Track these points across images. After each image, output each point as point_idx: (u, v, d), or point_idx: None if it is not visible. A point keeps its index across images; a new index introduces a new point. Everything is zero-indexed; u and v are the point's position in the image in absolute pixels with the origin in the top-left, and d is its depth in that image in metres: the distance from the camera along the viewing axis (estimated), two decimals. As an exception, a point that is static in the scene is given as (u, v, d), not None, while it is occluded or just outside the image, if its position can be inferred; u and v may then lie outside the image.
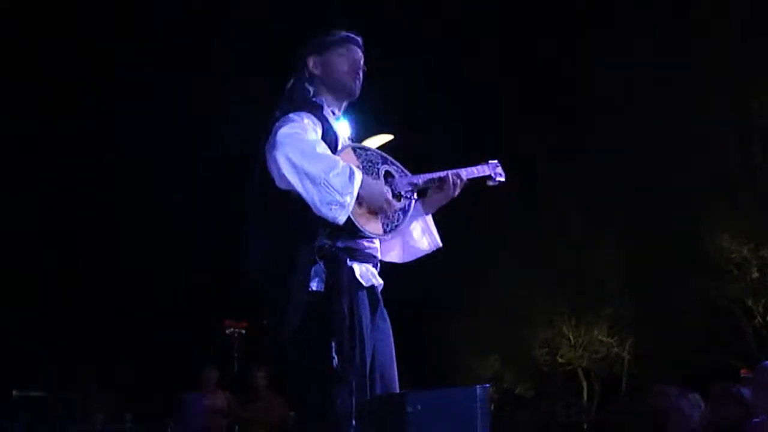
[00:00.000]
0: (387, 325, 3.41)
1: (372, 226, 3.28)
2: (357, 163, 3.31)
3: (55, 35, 18.07)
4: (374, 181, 3.28)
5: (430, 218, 3.64)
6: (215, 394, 9.53)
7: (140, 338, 18.34)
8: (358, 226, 3.20)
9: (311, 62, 3.51)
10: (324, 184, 3.08)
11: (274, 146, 3.13)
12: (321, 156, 3.13)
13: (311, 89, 3.51)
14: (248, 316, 9.41)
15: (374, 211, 3.28)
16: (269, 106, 3.45)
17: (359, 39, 3.56)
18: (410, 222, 3.56)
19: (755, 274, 16.02)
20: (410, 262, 3.72)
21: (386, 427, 3.05)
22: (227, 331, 9.52)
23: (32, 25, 17.47)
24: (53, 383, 12.23)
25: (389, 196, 3.28)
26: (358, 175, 3.15)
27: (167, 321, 18.63)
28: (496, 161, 3.69)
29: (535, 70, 19.69)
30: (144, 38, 18.93)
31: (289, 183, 3.11)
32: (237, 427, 9.37)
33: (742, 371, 13.13)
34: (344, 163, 3.16)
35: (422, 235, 3.62)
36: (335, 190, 3.08)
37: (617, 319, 19.13)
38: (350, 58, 3.52)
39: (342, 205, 3.09)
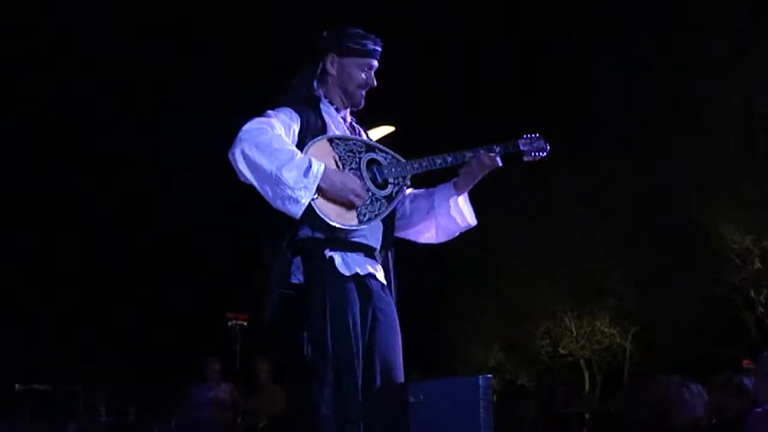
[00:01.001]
0: (388, 315, 3.38)
1: (344, 216, 3.23)
2: (333, 154, 3.29)
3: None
4: (340, 173, 3.25)
5: (464, 197, 3.59)
6: (218, 387, 9.56)
7: (142, 331, 18.36)
8: (323, 217, 3.17)
9: (329, 59, 3.48)
10: (275, 178, 3.08)
11: (233, 143, 3.15)
12: (276, 151, 3.12)
13: (316, 83, 3.49)
14: (250, 308, 9.42)
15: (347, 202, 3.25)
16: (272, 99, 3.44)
17: (380, 49, 3.53)
18: (439, 204, 3.54)
19: (757, 265, 16.00)
20: (446, 241, 3.69)
21: (389, 417, 3.06)
22: (229, 324, 9.54)
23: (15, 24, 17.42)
24: (56, 376, 12.24)
25: (357, 187, 3.24)
26: (316, 168, 3.14)
27: (169, 313, 18.64)
28: (536, 134, 3.62)
29: (538, 65, 19.68)
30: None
31: (246, 179, 3.14)
32: (240, 419, 9.41)
33: (744, 362, 13.14)
34: (302, 157, 3.15)
35: (455, 215, 3.57)
36: (286, 184, 3.07)
37: (619, 310, 19.12)
38: (368, 74, 3.50)
39: (295, 200, 3.09)
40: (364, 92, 3.52)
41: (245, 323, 9.37)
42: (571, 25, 18.73)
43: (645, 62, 17.13)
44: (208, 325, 12.10)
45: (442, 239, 3.67)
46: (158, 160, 18.90)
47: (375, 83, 3.52)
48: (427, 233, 3.64)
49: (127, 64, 18.73)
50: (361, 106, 3.56)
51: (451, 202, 3.55)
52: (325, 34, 3.50)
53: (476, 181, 3.52)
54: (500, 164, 3.47)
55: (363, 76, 3.49)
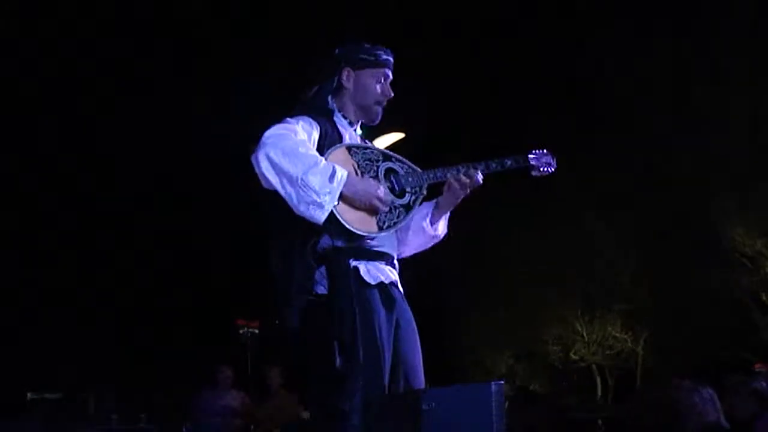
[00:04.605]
0: (409, 323, 3.38)
1: (364, 223, 3.23)
2: (352, 162, 3.29)
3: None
4: (362, 180, 3.24)
5: (438, 210, 3.57)
6: (229, 394, 9.57)
7: (154, 338, 18.39)
8: (345, 224, 3.16)
9: (345, 73, 3.48)
10: (301, 183, 3.06)
11: (257, 147, 3.14)
12: (301, 155, 3.11)
13: (331, 99, 3.50)
14: (260, 315, 9.44)
15: (369, 209, 3.24)
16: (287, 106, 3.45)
17: (392, 59, 3.55)
18: (417, 220, 3.52)
19: (768, 268, 15.98)
20: (416, 253, 3.67)
21: (402, 424, 3.06)
22: (240, 331, 9.55)
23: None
24: (68, 385, 12.29)
25: (380, 193, 3.23)
26: (340, 174, 3.13)
27: (180, 321, 18.67)
28: (544, 150, 3.63)
29: (544, 65, 19.66)
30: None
31: (270, 183, 3.12)
32: (251, 426, 9.41)
33: (756, 365, 13.13)
34: (326, 163, 3.14)
35: (426, 229, 3.56)
36: (312, 189, 3.06)
37: (630, 315, 19.09)
38: (383, 86, 3.51)
39: (320, 205, 3.07)
40: (381, 107, 3.54)
41: (256, 330, 9.39)
42: (575, 27, 18.72)
43: (650, 64, 17.09)
44: (220, 332, 12.12)
45: (410, 253, 3.65)
46: (171, 165, 18.92)
47: (392, 94, 3.54)
48: (402, 247, 3.61)
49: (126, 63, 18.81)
50: (377, 122, 3.57)
51: (427, 220, 3.54)
52: (337, 51, 3.52)
53: (458, 200, 3.52)
54: (480, 182, 3.47)
55: (378, 88, 3.50)
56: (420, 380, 3.32)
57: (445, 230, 3.64)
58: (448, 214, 3.61)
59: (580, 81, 18.26)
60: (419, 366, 3.34)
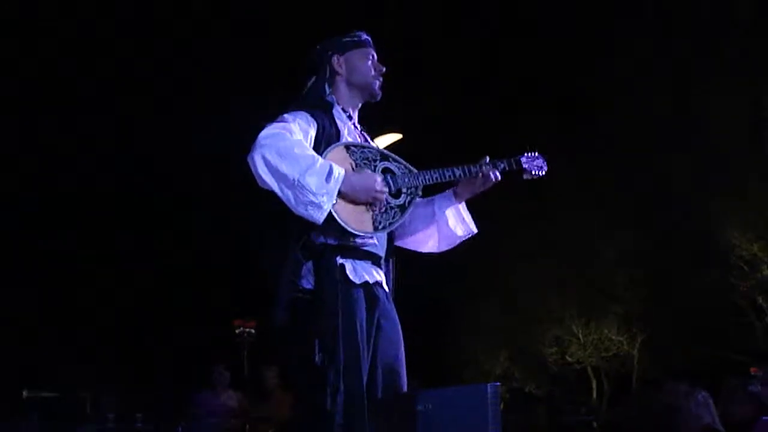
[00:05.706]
0: (392, 323, 3.40)
1: (361, 223, 3.26)
2: (350, 161, 3.31)
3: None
4: (359, 177, 3.26)
5: (462, 205, 3.64)
6: (226, 394, 9.57)
7: (150, 338, 18.37)
8: (342, 224, 3.19)
9: (335, 60, 3.53)
10: (298, 184, 3.08)
11: (253, 147, 3.16)
12: (297, 156, 3.12)
13: (328, 88, 3.53)
14: (257, 315, 9.43)
15: (366, 208, 3.27)
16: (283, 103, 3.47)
17: (371, 39, 3.62)
18: (440, 212, 3.59)
19: (765, 272, 15.96)
20: (447, 250, 3.74)
21: (397, 425, 3.06)
22: (237, 331, 9.55)
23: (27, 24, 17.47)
24: (64, 383, 12.25)
25: (377, 185, 3.25)
26: (337, 173, 3.15)
27: (177, 321, 18.64)
28: (535, 153, 3.68)
29: (542, 65, 19.65)
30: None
31: (266, 184, 3.14)
32: (248, 426, 9.41)
33: (752, 369, 13.11)
34: (323, 162, 3.16)
35: (456, 223, 3.62)
36: (309, 190, 3.08)
37: (626, 317, 19.08)
38: (373, 61, 3.57)
39: (318, 205, 3.10)
40: (378, 82, 3.58)
41: (253, 330, 9.38)
42: (575, 27, 18.72)
43: (649, 63, 17.09)
44: (216, 333, 12.11)
45: (444, 248, 3.71)
46: (167, 163, 18.90)
47: (384, 68, 3.59)
48: (430, 242, 3.68)
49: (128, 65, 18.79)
50: (379, 98, 3.60)
51: (453, 210, 3.61)
52: (319, 45, 3.59)
53: (475, 193, 3.58)
54: (499, 179, 3.54)
55: (370, 64, 3.56)
56: (401, 381, 3.33)
57: (475, 228, 3.70)
58: (465, 209, 3.66)
59: (580, 81, 18.25)
60: (401, 367, 3.36)
